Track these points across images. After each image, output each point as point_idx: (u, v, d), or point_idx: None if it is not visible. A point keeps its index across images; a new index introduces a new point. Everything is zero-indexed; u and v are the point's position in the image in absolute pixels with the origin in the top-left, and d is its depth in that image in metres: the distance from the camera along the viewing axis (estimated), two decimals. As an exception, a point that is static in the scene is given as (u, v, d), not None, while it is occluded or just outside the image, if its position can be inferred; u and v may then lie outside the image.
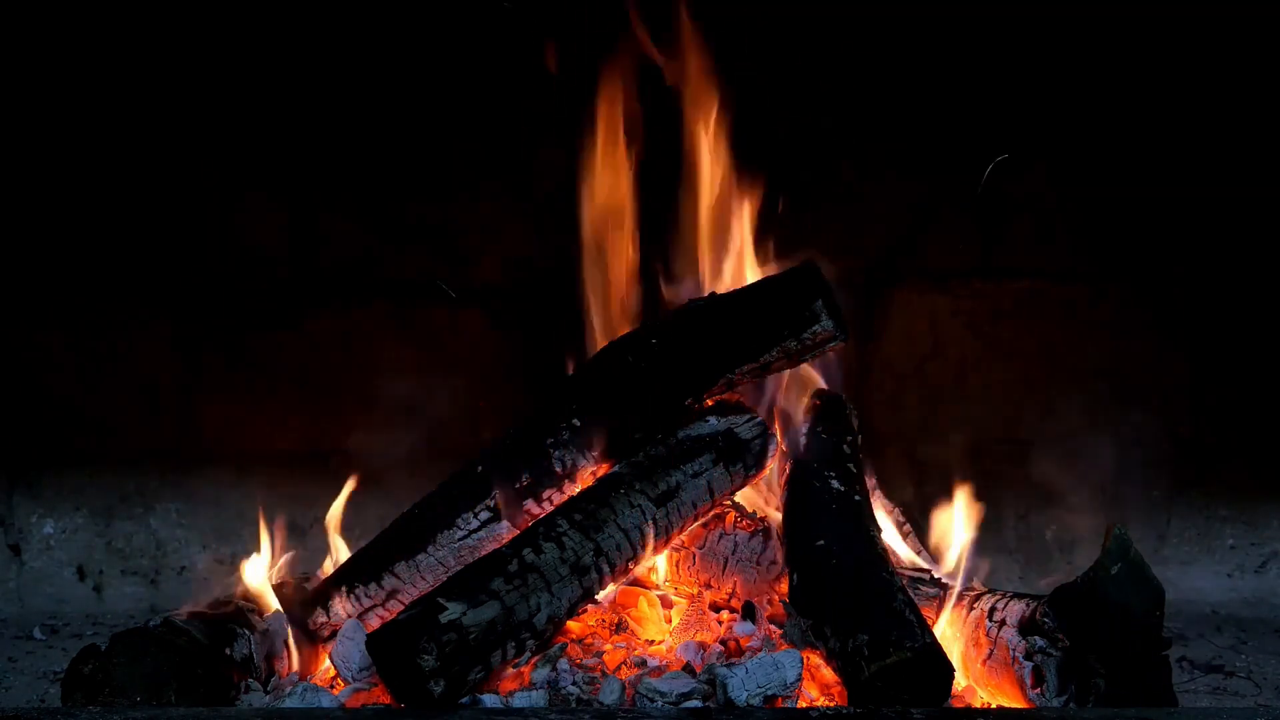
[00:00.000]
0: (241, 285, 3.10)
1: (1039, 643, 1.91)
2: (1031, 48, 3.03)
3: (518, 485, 2.21)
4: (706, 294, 2.34)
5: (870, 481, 2.36)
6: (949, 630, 2.08)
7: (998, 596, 2.07)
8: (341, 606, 2.20)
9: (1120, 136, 3.06)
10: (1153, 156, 3.06)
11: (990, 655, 1.99)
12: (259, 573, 2.26)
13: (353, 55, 3.02)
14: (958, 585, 2.13)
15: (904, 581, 2.02)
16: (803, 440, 2.34)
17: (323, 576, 2.29)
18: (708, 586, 2.29)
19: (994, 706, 1.97)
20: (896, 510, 2.47)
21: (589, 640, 2.12)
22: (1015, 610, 1.99)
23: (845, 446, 2.32)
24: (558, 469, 2.23)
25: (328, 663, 2.14)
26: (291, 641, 2.17)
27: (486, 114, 3.05)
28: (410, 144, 3.06)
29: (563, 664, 1.99)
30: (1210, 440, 3.16)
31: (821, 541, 2.04)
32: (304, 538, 2.76)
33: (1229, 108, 3.05)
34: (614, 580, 2.12)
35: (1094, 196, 3.09)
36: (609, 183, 2.52)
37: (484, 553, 2.10)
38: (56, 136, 3.03)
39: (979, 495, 2.34)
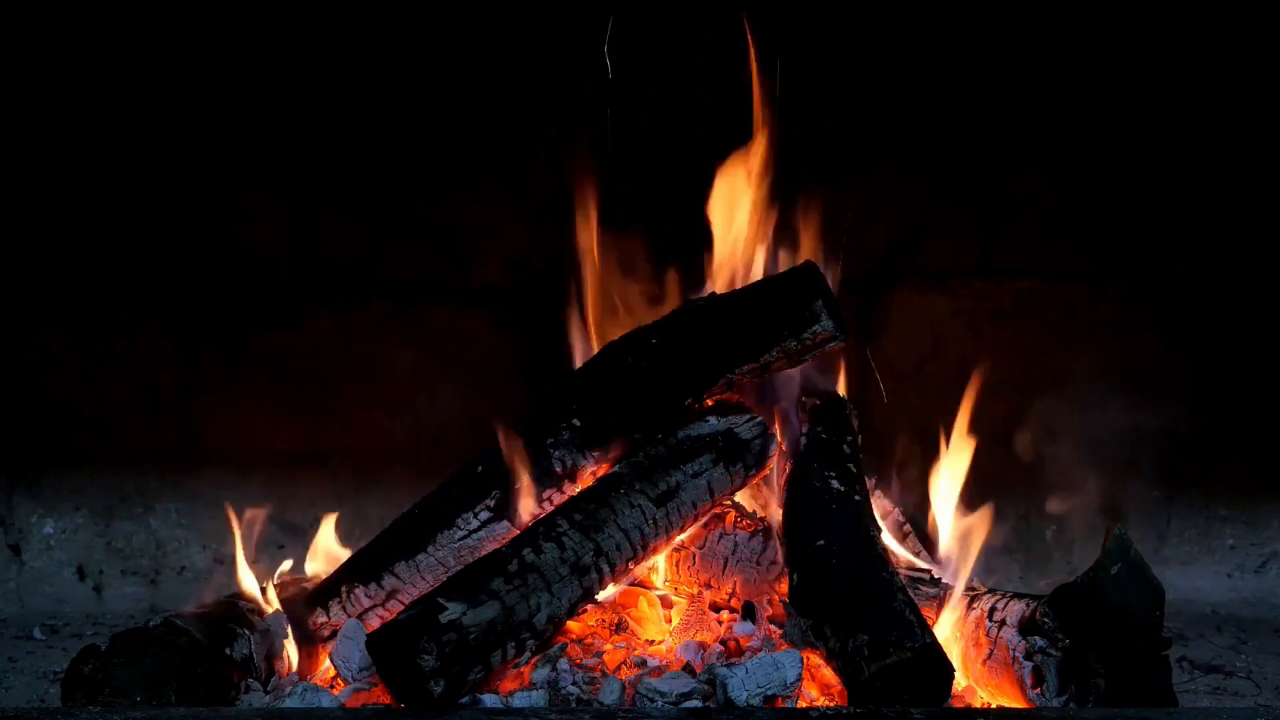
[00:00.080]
0: (241, 285, 3.09)
1: (1039, 643, 1.91)
2: (1032, 47, 3.03)
3: (517, 485, 2.21)
4: (706, 294, 2.34)
5: (870, 481, 2.37)
6: (949, 630, 2.08)
7: (998, 596, 2.07)
8: (341, 607, 2.20)
9: (1120, 136, 3.06)
10: (1153, 156, 3.06)
11: (990, 655, 1.99)
12: (250, 574, 2.26)
13: (353, 55, 3.02)
14: (958, 585, 2.13)
15: (904, 581, 2.02)
16: (803, 440, 2.33)
17: (321, 578, 2.29)
18: (708, 586, 2.29)
19: (994, 706, 1.97)
20: (896, 510, 2.47)
21: (589, 640, 2.12)
22: (1015, 610, 1.99)
23: (845, 446, 2.31)
24: (558, 469, 2.23)
25: (328, 663, 2.14)
26: (291, 641, 2.17)
27: (486, 114, 3.05)
28: (410, 144, 3.06)
29: (563, 664, 1.99)
30: (1210, 440, 3.16)
31: (821, 541, 2.04)
32: (304, 537, 2.76)
33: (1229, 107, 3.05)
34: (614, 580, 2.12)
35: (1094, 196, 3.08)
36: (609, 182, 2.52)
37: (484, 553, 2.10)
38: (57, 137, 3.02)
39: (980, 495, 2.34)
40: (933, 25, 3.02)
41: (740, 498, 2.35)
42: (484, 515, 2.21)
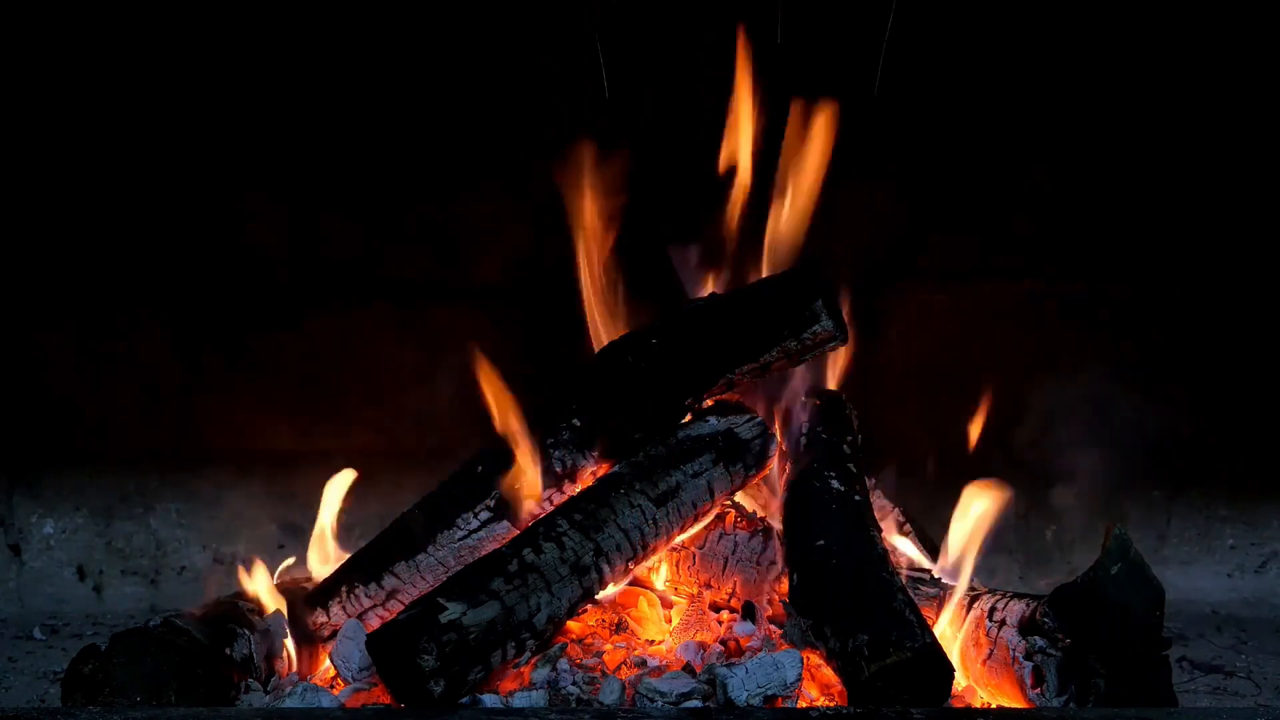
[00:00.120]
0: (241, 285, 3.09)
1: (1039, 643, 1.91)
2: (1032, 47, 3.03)
3: (518, 485, 2.21)
4: (707, 294, 2.34)
5: (870, 481, 2.37)
6: (949, 630, 2.08)
7: (998, 596, 2.07)
8: (341, 607, 2.20)
9: (1120, 136, 3.06)
10: (1153, 156, 3.06)
11: (990, 655, 1.99)
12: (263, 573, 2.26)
13: (353, 56, 3.02)
14: (958, 585, 2.13)
15: (904, 581, 2.02)
16: (803, 440, 2.34)
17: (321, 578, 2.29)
18: (708, 586, 2.29)
19: (994, 706, 1.97)
20: (896, 510, 2.47)
21: (589, 640, 2.12)
22: (1015, 610, 1.99)
23: (845, 446, 2.32)
24: (558, 469, 2.23)
25: (328, 663, 2.14)
26: (291, 641, 2.17)
27: (486, 114, 3.05)
28: (410, 144, 3.06)
29: (563, 664, 1.99)
30: (1210, 440, 3.16)
31: (821, 541, 2.04)
32: (304, 538, 2.76)
33: (1229, 107, 3.05)
34: (614, 580, 2.12)
35: (1094, 196, 3.08)
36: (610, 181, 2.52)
37: (484, 553, 2.10)
38: (57, 137, 3.02)
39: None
40: (932, 25, 3.02)
41: (740, 498, 2.35)
42: (484, 515, 2.21)
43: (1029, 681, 1.90)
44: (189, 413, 3.11)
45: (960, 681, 2.02)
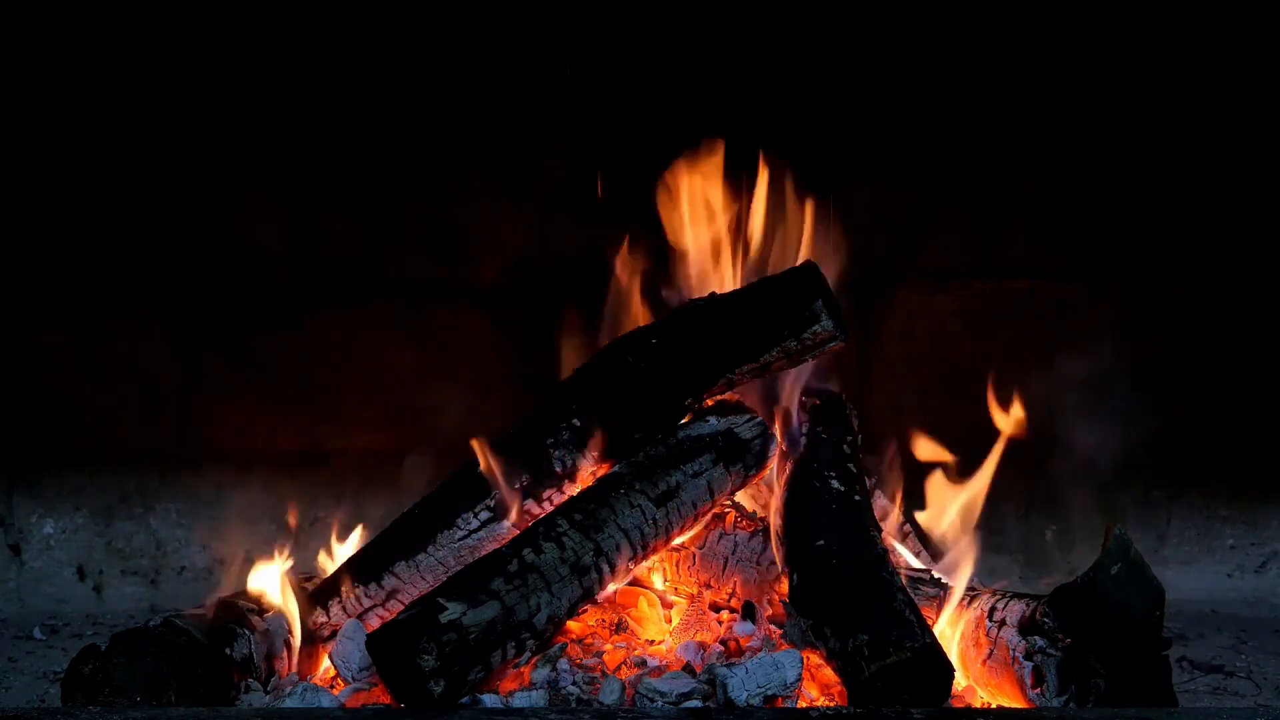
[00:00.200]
0: (241, 285, 3.10)
1: (1039, 643, 1.91)
2: (1032, 48, 3.03)
3: (518, 485, 2.21)
4: (706, 294, 2.34)
5: (870, 481, 2.36)
6: (949, 630, 2.07)
7: (998, 596, 2.07)
8: (341, 607, 2.20)
9: (1120, 136, 3.06)
10: (1153, 156, 3.06)
11: (990, 655, 1.99)
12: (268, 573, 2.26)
13: (354, 56, 3.02)
14: (958, 585, 2.13)
15: (904, 581, 2.02)
16: (803, 440, 2.33)
17: (322, 577, 2.29)
18: (708, 586, 2.29)
19: (994, 706, 1.97)
20: (896, 510, 2.47)
21: (589, 640, 2.12)
22: (1015, 610, 1.99)
23: (845, 446, 2.31)
24: (558, 469, 2.23)
25: (328, 663, 2.14)
26: (292, 641, 2.16)
27: (487, 114, 3.05)
28: (410, 144, 3.06)
29: (563, 664, 1.99)
30: (1210, 440, 3.16)
31: (821, 541, 2.04)
32: (304, 537, 2.76)
33: (1229, 107, 3.05)
34: (614, 580, 2.12)
35: (1094, 196, 3.09)
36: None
37: (484, 553, 2.10)
38: (57, 137, 3.02)
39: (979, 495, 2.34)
40: (933, 25, 3.02)
41: (740, 498, 2.35)
42: (484, 515, 2.21)
43: (1029, 681, 1.90)
44: (189, 413, 3.11)
45: (960, 681, 2.02)
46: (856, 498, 2.17)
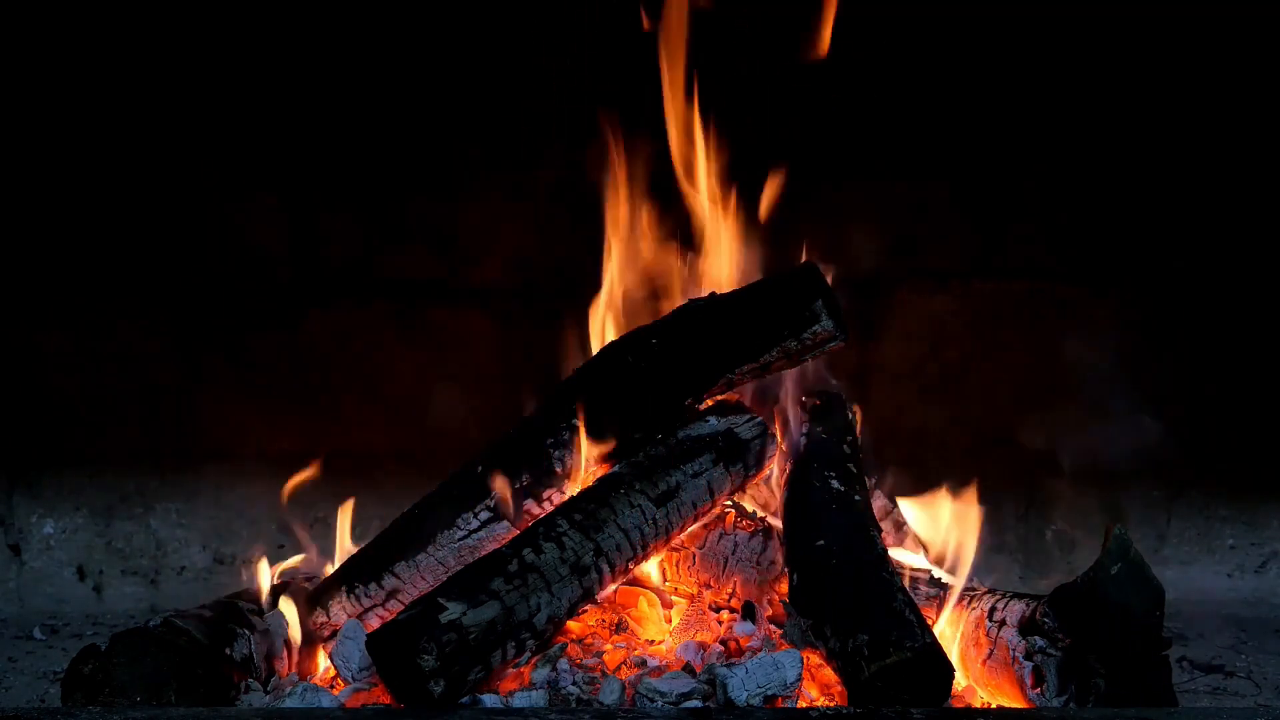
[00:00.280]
0: (241, 285, 3.10)
1: (1039, 643, 1.91)
2: (1032, 48, 3.03)
3: (518, 485, 2.21)
4: (706, 294, 2.34)
5: (870, 481, 2.36)
6: (949, 630, 2.08)
7: (998, 596, 2.07)
8: (341, 607, 2.20)
9: (1120, 136, 3.06)
10: (1153, 156, 3.06)
11: (990, 655, 1.99)
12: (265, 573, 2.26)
13: (354, 56, 3.02)
14: (958, 585, 2.13)
15: (904, 581, 2.02)
16: (803, 440, 2.33)
17: (322, 576, 2.29)
18: (708, 586, 2.29)
19: (994, 706, 1.97)
20: (896, 510, 2.47)
21: (589, 640, 2.12)
22: (1015, 610, 1.99)
23: (845, 446, 2.32)
24: (558, 469, 2.23)
25: (328, 663, 2.14)
26: (291, 641, 2.17)
27: (487, 114, 3.05)
28: (411, 144, 3.06)
29: (563, 664, 1.99)
30: (1210, 440, 3.16)
31: (821, 541, 2.04)
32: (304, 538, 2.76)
33: (1229, 107, 3.05)
34: (614, 580, 2.12)
35: (1094, 196, 3.09)
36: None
37: (484, 553, 2.10)
38: (58, 137, 3.03)
39: (980, 495, 2.34)
40: (934, 26, 3.02)
41: (740, 498, 2.35)
42: (484, 515, 2.21)
43: (1029, 681, 1.90)
44: (189, 413, 3.11)
45: (960, 681, 2.02)
46: (856, 498, 2.17)
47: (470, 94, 3.04)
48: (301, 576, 2.35)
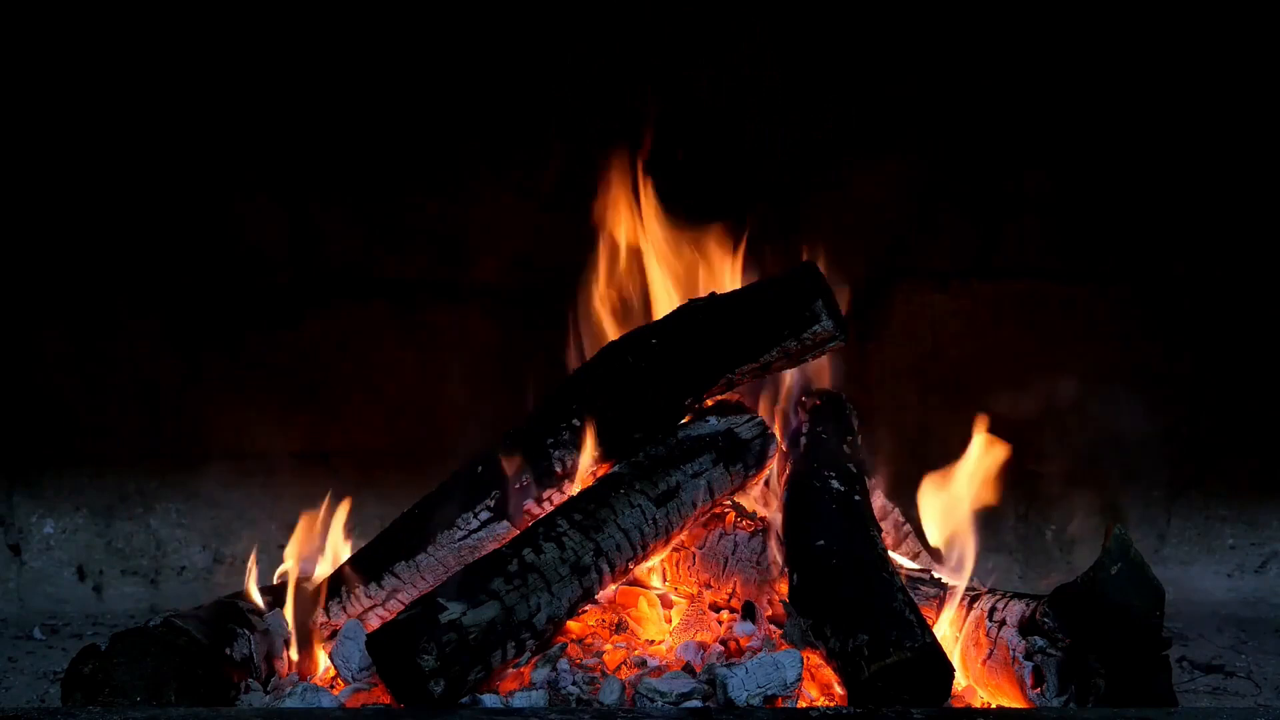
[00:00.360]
0: (241, 285, 3.09)
1: (1039, 643, 1.91)
2: (1032, 47, 3.03)
3: (518, 485, 2.21)
4: (707, 294, 2.34)
5: (870, 481, 2.36)
6: (949, 630, 2.08)
7: (998, 596, 2.07)
8: (341, 607, 2.20)
9: (1120, 136, 3.06)
10: (1153, 156, 3.06)
11: (990, 655, 1.99)
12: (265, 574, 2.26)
13: (354, 55, 3.02)
14: (959, 585, 2.13)
15: (904, 581, 2.02)
16: (803, 440, 2.34)
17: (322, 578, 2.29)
18: (708, 586, 2.29)
19: (994, 706, 1.97)
20: (896, 510, 2.47)
21: (589, 640, 2.12)
22: (1015, 610, 1.99)
23: (845, 446, 2.32)
24: (558, 469, 2.23)
25: (327, 663, 2.14)
26: (292, 641, 2.17)
27: (487, 113, 3.04)
28: (411, 144, 3.06)
29: (563, 664, 1.99)
30: (1210, 440, 3.16)
31: (821, 541, 2.04)
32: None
33: (1229, 107, 3.05)
34: (614, 580, 2.12)
35: (1094, 196, 3.09)
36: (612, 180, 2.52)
37: (484, 553, 2.10)
38: (58, 138, 3.02)
39: (979, 495, 2.34)
40: (934, 25, 3.02)
41: (740, 498, 2.35)
42: (484, 515, 2.21)
43: (1029, 681, 1.90)
44: (189, 413, 3.10)
45: (960, 681, 2.02)
46: (856, 498, 2.17)
47: (471, 94, 3.04)
48: (301, 576, 2.36)
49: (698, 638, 2.14)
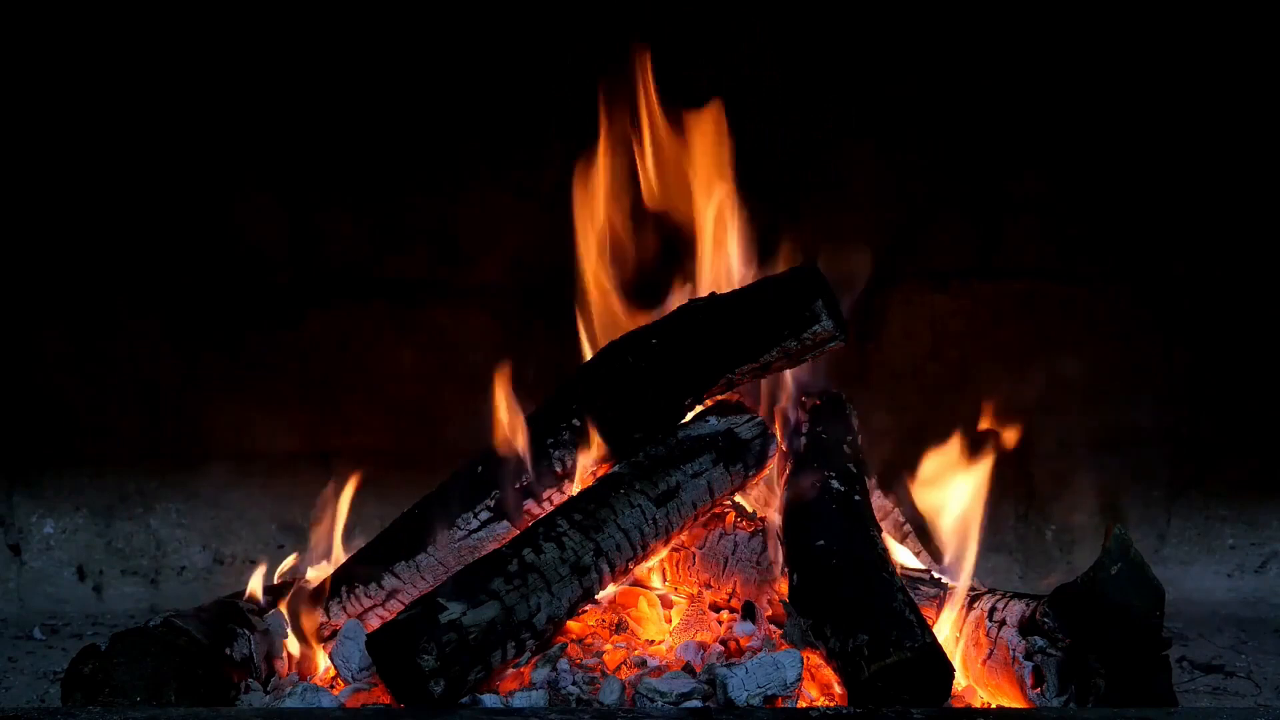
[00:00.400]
0: (241, 285, 3.10)
1: (1039, 643, 1.91)
2: (1031, 47, 3.03)
3: (518, 485, 2.21)
4: (706, 294, 2.34)
5: (870, 481, 2.36)
6: (949, 630, 2.08)
7: (998, 596, 2.07)
8: (341, 607, 2.20)
9: (1121, 136, 3.06)
10: (1153, 156, 3.06)
11: (990, 655, 1.99)
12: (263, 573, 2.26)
13: (354, 55, 3.02)
14: (959, 585, 2.13)
15: (904, 581, 2.02)
16: (803, 440, 2.33)
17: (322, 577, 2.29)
18: (708, 586, 2.29)
19: (994, 706, 1.97)
20: (896, 510, 2.47)
21: (589, 640, 2.12)
22: (1015, 610, 1.99)
23: (845, 446, 2.32)
24: (558, 469, 2.23)
25: (327, 663, 2.14)
26: (291, 641, 2.17)
27: (487, 113, 3.05)
28: (411, 144, 3.06)
29: (563, 664, 1.99)
30: (1210, 440, 3.16)
31: (821, 541, 2.04)
32: (304, 538, 2.75)
33: (1229, 107, 3.05)
34: (614, 580, 2.12)
35: (1094, 196, 3.09)
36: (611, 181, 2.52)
37: (484, 553, 2.10)
38: (58, 138, 3.03)
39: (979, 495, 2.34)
40: (934, 25, 3.02)
41: (740, 498, 2.35)
42: (484, 515, 2.21)
43: (1029, 681, 1.90)
44: (189, 413, 3.11)
45: (960, 681, 2.02)
46: (856, 498, 2.17)
47: (470, 94, 3.04)
48: (301, 577, 2.36)
49: (698, 638, 2.14)
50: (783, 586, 2.15)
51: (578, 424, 2.23)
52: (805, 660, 1.93)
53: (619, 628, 2.18)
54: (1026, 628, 1.94)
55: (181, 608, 2.19)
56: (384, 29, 3.01)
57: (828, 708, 1.86)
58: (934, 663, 1.82)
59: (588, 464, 2.23)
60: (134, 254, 3.07)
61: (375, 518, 2.52)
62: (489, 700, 1.89)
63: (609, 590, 2.17)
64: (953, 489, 2.30)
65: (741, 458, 2.23)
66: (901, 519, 2.46)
